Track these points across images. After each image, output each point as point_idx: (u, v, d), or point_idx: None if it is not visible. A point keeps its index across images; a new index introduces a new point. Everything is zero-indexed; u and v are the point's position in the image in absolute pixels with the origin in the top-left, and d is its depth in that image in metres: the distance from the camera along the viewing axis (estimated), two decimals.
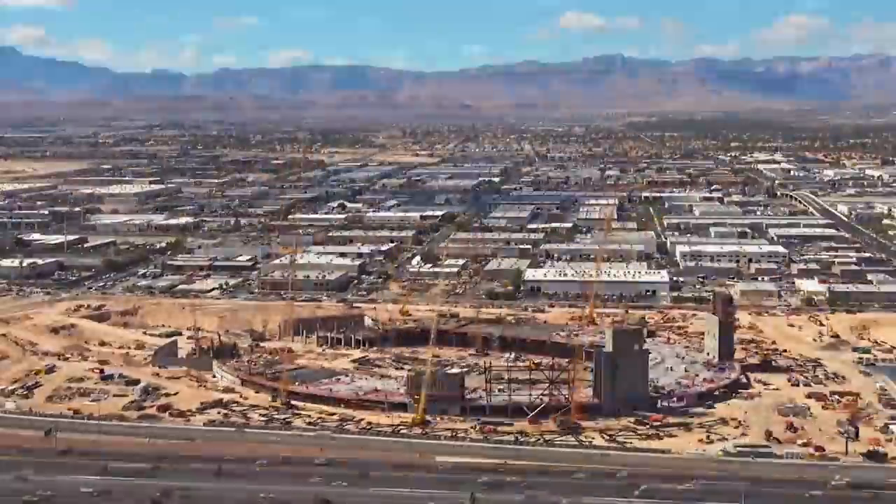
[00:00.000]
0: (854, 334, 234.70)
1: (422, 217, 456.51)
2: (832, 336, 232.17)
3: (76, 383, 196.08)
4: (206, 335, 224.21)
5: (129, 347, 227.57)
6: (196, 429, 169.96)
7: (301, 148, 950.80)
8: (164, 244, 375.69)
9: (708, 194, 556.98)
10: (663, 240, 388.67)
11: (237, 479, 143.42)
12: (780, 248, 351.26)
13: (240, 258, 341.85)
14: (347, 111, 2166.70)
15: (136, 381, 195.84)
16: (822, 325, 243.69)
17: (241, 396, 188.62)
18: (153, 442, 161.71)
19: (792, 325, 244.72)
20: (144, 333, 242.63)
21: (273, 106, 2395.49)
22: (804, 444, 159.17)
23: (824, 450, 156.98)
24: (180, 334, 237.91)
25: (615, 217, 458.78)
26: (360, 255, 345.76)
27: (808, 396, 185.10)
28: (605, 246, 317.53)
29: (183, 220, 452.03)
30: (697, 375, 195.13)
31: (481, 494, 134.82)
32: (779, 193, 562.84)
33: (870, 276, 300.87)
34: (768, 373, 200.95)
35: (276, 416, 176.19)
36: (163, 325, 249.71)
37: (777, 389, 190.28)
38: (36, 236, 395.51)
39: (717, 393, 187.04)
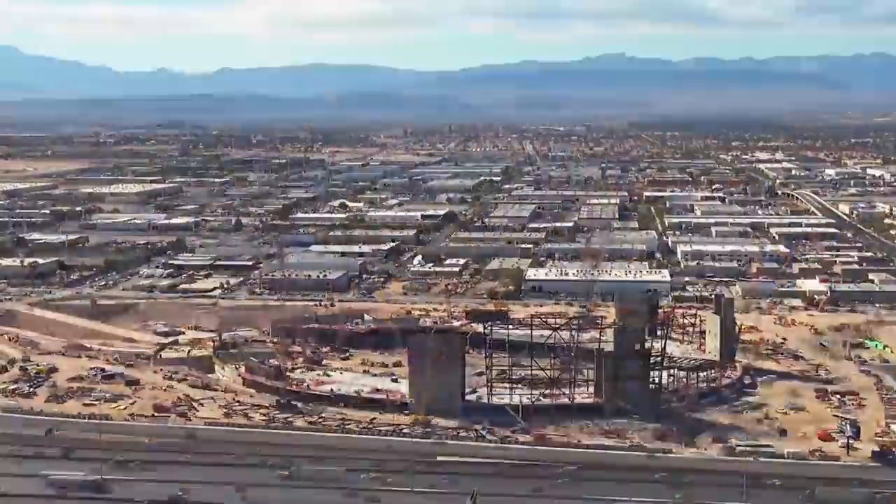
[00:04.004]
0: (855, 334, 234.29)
1: (423, 216, 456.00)
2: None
3: (77, 383, 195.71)
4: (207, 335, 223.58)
5: (131, 347, 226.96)
6: (196, 428, 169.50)
7: (303, 147, 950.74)
8: (165, 243, 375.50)
9: (709, 193, 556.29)
10: (665, 239, 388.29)
11: None
12: (782, 248, 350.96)
13: (241, 257, 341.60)
14: (348, 110, 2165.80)
15: (137, 381, 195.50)
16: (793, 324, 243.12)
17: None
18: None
19: (792, 324, 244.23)
20: (146, 333, 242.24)
21: (274, 105, 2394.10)
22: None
23: (823, 449, 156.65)
24: (181, 334, 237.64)
25: (616, 216, 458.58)
26: (361, 255, 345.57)
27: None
28: (607, 245, 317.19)
29: (184, 219, 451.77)
30: (699, 375, 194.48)
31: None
32: (780, 193, 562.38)
33: (871, 276, 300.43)
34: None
35: (277, 416, 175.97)
36: (163, 325, 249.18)
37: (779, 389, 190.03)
38: (36, 236, 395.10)
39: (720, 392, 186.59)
